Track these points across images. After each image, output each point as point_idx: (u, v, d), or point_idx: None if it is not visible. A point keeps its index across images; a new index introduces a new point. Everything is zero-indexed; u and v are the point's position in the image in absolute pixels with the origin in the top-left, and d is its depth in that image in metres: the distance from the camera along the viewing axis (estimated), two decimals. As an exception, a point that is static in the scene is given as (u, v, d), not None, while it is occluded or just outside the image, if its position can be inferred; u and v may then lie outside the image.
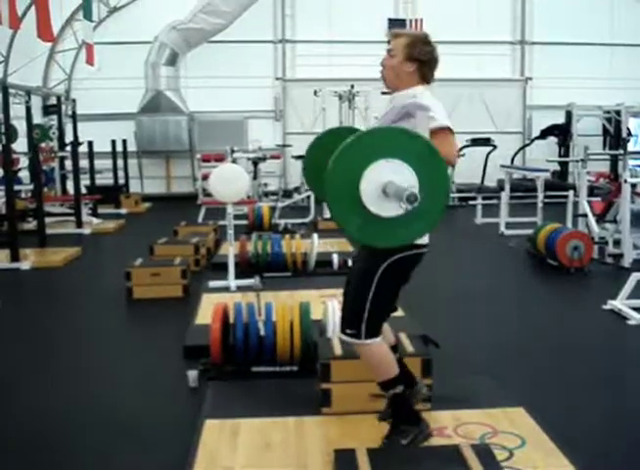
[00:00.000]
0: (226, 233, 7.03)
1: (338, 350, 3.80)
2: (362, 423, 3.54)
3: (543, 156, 15.76)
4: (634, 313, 5.72)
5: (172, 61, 15.44)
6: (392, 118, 3.08)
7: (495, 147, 14.52)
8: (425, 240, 3.14)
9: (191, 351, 4.83)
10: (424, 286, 6.95)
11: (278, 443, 3.40)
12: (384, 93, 12.34)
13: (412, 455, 2.87)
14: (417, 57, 3.12)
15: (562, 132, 15.34)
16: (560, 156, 15.13)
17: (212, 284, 6.80)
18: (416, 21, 16.13)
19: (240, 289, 6.64)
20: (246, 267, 7.43)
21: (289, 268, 7.46)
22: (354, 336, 3.11)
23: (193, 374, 4.36)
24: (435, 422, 3.59)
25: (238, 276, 6.96)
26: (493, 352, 5.03)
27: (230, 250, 6.86)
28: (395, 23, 16.10)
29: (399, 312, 5.52)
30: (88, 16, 13.30)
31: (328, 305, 4.58)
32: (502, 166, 11.89)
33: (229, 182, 6.57)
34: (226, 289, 6.68)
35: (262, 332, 4.46)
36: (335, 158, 2.69)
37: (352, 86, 11.93)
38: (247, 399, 3.98)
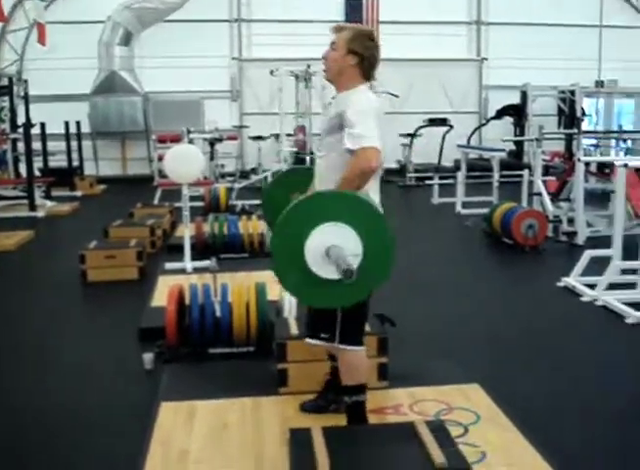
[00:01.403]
0: (182, 215, 6.97)
1: (294, 330, 3.80)
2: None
3: (499, 136, 15.86)
4: (587, 290, 5.82)
5: (126, 40, 15.17)
6: (326, 127, 3.14)
7: (452, 127, 14.62)
8: None
9: (146, 333, 4.78)
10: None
11: (234, 423, 3.39)
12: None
13: (367, 433, 2.89)
14: (359, 51, 3.10)
15: (517, 112, 15.48)
16: (515, 136, 15.25)
17: (168, 266, 6.73)
18: (372, 1, 16.09)
19: (196, 271, 6.58)
20: (202, 249, 7.37)
21: (246, 249, 7.42)
22: (328, 340, 3.08)
23: (148, 357, 4.32)
24: (392, 400, 3.63)
25: (194, 258, 6.90)
26: (448, 331, 5.07)
27: (186, 231, 6.80)
28: (352, 3, 16.09)
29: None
30: (39, -6, 13.00)
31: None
32: (458, 146, 11.97)
33: (184, 163, 6.50)
34: (182, 271, 6.62)
35: (218, 313, 4.44)
36: (284, 215, 2.72)
37: (309, 66, 11.84)
38: (203, 380, 3.96)
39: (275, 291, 4.74)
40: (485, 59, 16.66)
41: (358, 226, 2.68)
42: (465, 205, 10.51)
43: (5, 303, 6.13)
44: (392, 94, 14.85)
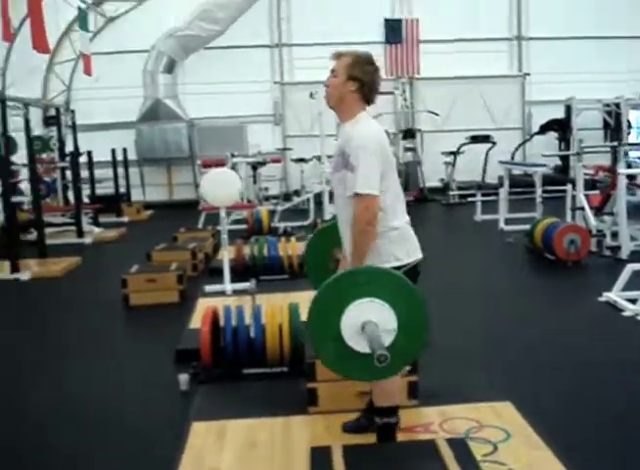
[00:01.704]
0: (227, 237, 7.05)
1: (323, 349, 3.81)
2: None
3: (544, 151, 15.76)
4: (629, 305, 5.71)
5: (170, 68, 15.50)
6: (334, 164, 3.23)
7: (495, 144, 14.54)
8: (418, 256, 3.27)
9: (183, 354, 4.85)
10: (420, 282, 6.97)
11: (264, 442, 3.42)
12: (379, 93, 12.34)
13: (387, 451, 2.88)
14: (358, 76, 3.15)
15: (561, 127, 15.30)
16: (560, 150, 15.08)
17: (208, 288, 6.82)
18: (412, 21, 16.15)
19: (236, 293, 6.65)
20: (243, 271, 7.45)
21: (285, 271, 7.47)
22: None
23: (184, 378, 4.38)
24: (422, 418, 3.61)
25: (235, 280, 6.98)
26: (486, 347, 5.04)
27: (225, 254, 6.88)
28: (392, 24, 16.16)
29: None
30: (84, 26, 13.37)
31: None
32: (500, 163, 11.87)
33: (221, 187, 6.59)
34: (222, 293, 6.70)
35: (252, 334, 4.48)
36: (321, 292, 2.78)
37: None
38: (235, 400, 4.01)
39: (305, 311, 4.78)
40: (528, 74, 16.52)
41: (393, 302, 2.72)
42: (508, 221, 10.40)
43: (49, 327, 6.28)
44: (433, 113, 14.89)
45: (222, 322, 4.61)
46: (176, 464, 3.22)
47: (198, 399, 4.04)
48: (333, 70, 3.23)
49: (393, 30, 16.14)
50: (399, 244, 3.21)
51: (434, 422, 3.56)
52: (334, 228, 3.42)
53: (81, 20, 13.28)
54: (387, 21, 16.16)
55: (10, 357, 5.41)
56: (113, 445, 3.67)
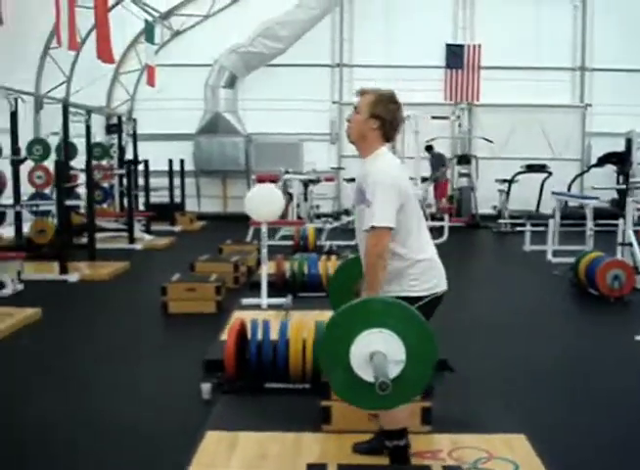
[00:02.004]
0: (269, 252, 7.15)
1: (340, 368, 3.85)
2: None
3: (602, 184, 15.52)
4: (665, 346, 5.60)
5: (231, 83, 15.81)
6: (356, 198, 3.30)
7: (550, 174, 14.40)
8: (442, 287, 3.27)
9: (211, 364, 4.94)
10: (460, 311, 7.00)
11: (273, 456, 3.48)
12: (434, 118, 12.39)
13: (381, 473, 2.91)
14: (381, 114, 3.20)
15: (620, 160, 15.05)
16: (618, 184, 14.81)
17: (245, 301, 6.93)
18: (474, 46, 16.14)
19: (271, 307, 6.73)
20: (282, 286, 7.53)
21: (324, 289, 7.50)
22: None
23: (206, 387, 4.47)
24: (433, 444, 3.62)
25: (273, 295, 7.07)
26: (514, 379, 4.99)
27: (264, 268, 6.98)
28: (454, 49, 16.18)
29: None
30: (150, 39, 13.76)
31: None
32: (553, 193, 11.74)
33: (264, 203, 6.71)
34: (258, 307, 6.79)
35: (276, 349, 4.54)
36: (332, 319, 2.84)
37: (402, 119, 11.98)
38: (252, 413, 4.07)
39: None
40: (589, 105, 16.33)
41: (402, 334, 2.75)
42: (557, 253, 10.26)
43: (89, 328, 6.48)
44: (487, 139, 14.84)
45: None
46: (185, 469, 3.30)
47: (216, 408, 4.12)
48: (356, 107, 3.30)
49: (455, 55, 16.15)
50: (423, 276, 3.23)
51: (444, 450, 3.56)
52: (358, 260, 3.47)
53: (148, 32, 13.67)
54: (448, 46, 16.20)
55: (47, 359, 5.58)
56: (126, 449, 3.77)
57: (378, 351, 2.72)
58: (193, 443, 3.63)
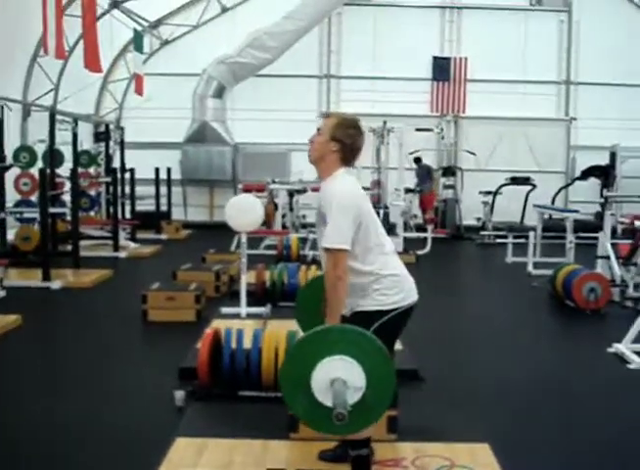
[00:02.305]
0: (252, 262, 7.22)
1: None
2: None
3: (586, 197, 15.69)
4: (635, 357, 5.69)
5: (219, 93, 15.89)
6: (317, 221, 3.33)
7: (535, 186, 14.54)
8: (412, 299, 3.33)
9: (186, 372, 5.00)
10: (436, 321, 7.09)
11: (238, 462, 3.54)
12: (418, 130, 12.48)
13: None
14: (340, 138, 3.26)
15: (604, 173, 15.20)
16: (601, 197, 14.95)
17: (224, 310, 7.00)
18: (461, 59, 16.30)
19: (250, 316, 6.80)
20: (262, 296, 7.60)
21: (303, 298, 7.57)
22: None
23: (180, 394, 4.54)
24: (396, 453, 3.69)
25: (253, 304, 7.15)
26: (484, 390, 5.07)
27: (242, 278, 7.04)
28: (440, 62, 16.33)
29: (397, 346, 5.71)
30: (139, 48, 13.84)
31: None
32: (535, 206, 11.86)
33: (243, 212, 6.78)
34: (237, 316, 6.85)
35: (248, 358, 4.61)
36: (294, 346, 2.92)
37: (385, 122, 12.11)
38: (221, 420, 4.14)
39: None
40: (574, 119, 16.50)
41: (362, 360, 2.80)
42: (537, 265, 10.37)
43: (69, 334, 6.55)
44: (470, 152, 15.00)
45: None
46: (151, 476, 3.37)
47: (187, 415, 4.19)
48: (319, 129, 3.36)
49: (441, 68, 16.30)
50: (390, 290, 3.28)
51: (408, 458, 3.64)
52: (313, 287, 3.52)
53: (137, 41, 13.75)
54: (435, 58, 16.34)
55: (26, 363, 5.63)
56: (98, 454, 3.84)
57: (338, 377, 2.76)
58: (163, 449, 3.69)
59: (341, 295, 3.14)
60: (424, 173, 14.82)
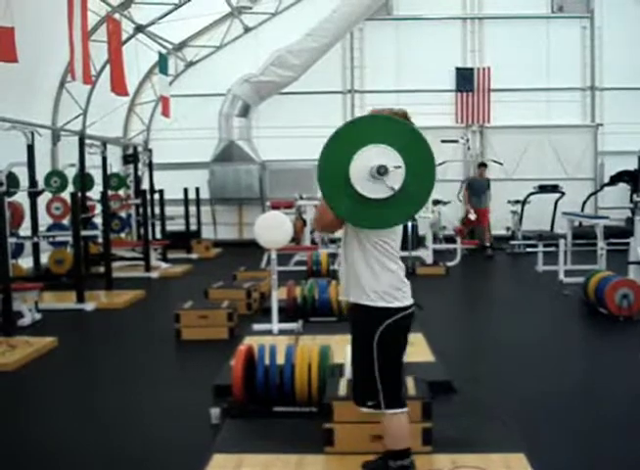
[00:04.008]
0: (282, 278, 7.28)
1: (342, 390, 3.96)
2: (361, 462, 3.67)
3: (616, 203, 15.57)
4: (671, 364, 5.63)
5: (244, 112, 16.05)
6: None
7: (563, 194, 14.43)
8: (408, 301, 3.35)
9: (221, 390, 5.05)
10: (469, 331, 7.08)
11: (276, 477, 3.57)
12: (443, 141, 12.49)
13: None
14: None
15: (632, 178, 15.07)
16: (631, 202, 14.81)
17: (257, 327, 7.05)
18: (484, 69, 16.29)
19: (282, 333, 6.84)
20: (293, 312, 7.64)
21: (334, 313, 7.62)
22: (375, 407, 3.34)
23: (215, 412, 4.59)
24: (433, 464, 3.70)
25: (285, 320, 7.20)
26: (517, 399, 5.05)
27: (274, 294, 7.09)
28: (463, 72, 16.34)
29: (429, 357, 5.72)
30: (164, 70, 14.04)
31: (347, 347, 4.73)
32: (563, 214, 11.80)
33: (272, 229, 6.84)
34: (269, 332, 6.90)
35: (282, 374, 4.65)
36: (326, 143, 2.96)
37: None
38: (257, 436, 4.17)
39: (340, 353, 4.93)
40: (601, 124, 16.39)
41: (400, 146, 2.86)
42: (569, 273, 10.31)
43: (104, 355, 6.65)
44: (497, 162, 14.93)
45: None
46: (190, 493, 3.41)
47: (222, 432, 4.23)
48: None
49: (465, 79, 16.31)
50: (393, 287, 3.32)
51: (444, 469, 3.64)
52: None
53: (161, 64, 13.95)
54: (458, 69, 16.36)
55: (61, 384, 5.73)
56: (140, 468, 3.90)
57: (378, 164, 2.85)
58: (201, 465, 3.74)
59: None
60: (483, 185, 13.92)
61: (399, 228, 3.35)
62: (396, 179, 2.86)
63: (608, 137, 16.32)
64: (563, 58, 16.20)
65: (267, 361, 4.75)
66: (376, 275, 3.27)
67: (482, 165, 13.95)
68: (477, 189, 13.76)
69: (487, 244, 13.47)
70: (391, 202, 2.87)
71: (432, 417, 3.83)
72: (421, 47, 16.10)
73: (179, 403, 5.11)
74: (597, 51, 16.30)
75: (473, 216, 13.33)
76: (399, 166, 2.85)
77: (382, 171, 2.74)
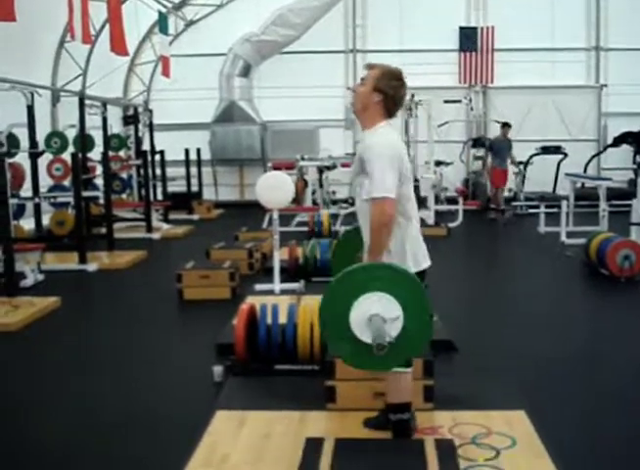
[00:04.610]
0: (284, 239, 7.28)
1: (344, 349, 3.97)
2: (363, 418, 3.70)
3: (619, 164, 15.50)
4: (672, 324, 5.65)
5: (245, 72, 15.91)
6: (354, 168, 3.40)
7: (566, 155, 14.35)
8: (426, 264, 3.39)
9: (223, 348, 5.07)
10: (469, 291, 7.09)
11: (278, 433, 3.61)
12: (446, 101, 12.36)
13: (375, 446, 3.03)
14: (383, 89, 3.29)
15: (635, 140, 14.96)
16: (634, 164, 14.74)
17: (258, 287, 7.06)
18: (488, 28, 16.09)
19: (284, 292, 6.86)
20: (295, 272, 7.66)
21: (336, 273, 7.61)
22: None
23: (218, 369, 4.62)
24: (434, 421, 3.73)
25: (287, 280, 7.21)
26: (518, 358, 5.08)
27: (275, 255, 7.10)
28: (467, 32, 16.15)
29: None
30: (164, 30, 13.86)
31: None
32: (566, 175, 11.75)
33: (274, 189, 6.82)
34: (271, 292, 6.92)
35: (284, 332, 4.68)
36: (328, 289, 2.97)
37: (413, 95, 12.03)
38: (260, 393, 4.22)
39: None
40: (605, 85, 16.24)
41: (395, 293, 2.87)
42: (570, 234, 10.30)
43: (106, 314, 6.68)
44: (498, 122, 14.79)
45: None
46: (194, 448, 3.44)
47: (225, 389, 4.27)
48: (362, 79, 3.39)
49: (468, 38, 16.12)
50: (413, 250, 3.34)
51: (445, 426, 3.67)
52: (359, 230, 3.56)
53: (161, 23, 13.77)
54: (462, 28, 16.16)
55: (65, 343, 5.77)
56: (143, 427, 3.94)
57: (375, 313, 2.83)
58: (204, 422, 3.77)
59: (384, 240, 3.22)
60: (505, 146, 13.41)
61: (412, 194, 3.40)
62: (394, 328, 2.86)
63: (612, 98, 16.18)
64: (567, 17, 15.96)
65: (269, 321, 4.78)
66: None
67: (506, 125, 13.52)
68: (500, 150, 13.40)
69: (502, 207, 13.28)
70: (392, 346, 2.86)
71: (433, 375, 3.85)
72: (424, 6, 15.84)
73: (182, 362, 5.15)
74: (602, 11, 16.05)
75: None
76: (397, 317, 2.85)
77: (379, 348, 2.72)
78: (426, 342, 3.00)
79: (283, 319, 4.78)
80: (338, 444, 2.84)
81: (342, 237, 4.20)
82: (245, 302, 6.38)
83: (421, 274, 3.32)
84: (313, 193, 13.29)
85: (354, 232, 3.85)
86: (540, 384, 4.52)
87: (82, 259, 8.73)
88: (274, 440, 3.53)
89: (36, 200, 9.72)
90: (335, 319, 2.89)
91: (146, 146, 14.03)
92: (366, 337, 2.84)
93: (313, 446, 2.86)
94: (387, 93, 3.30)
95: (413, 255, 3.34)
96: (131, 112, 14.29)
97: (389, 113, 3.38)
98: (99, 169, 11.68)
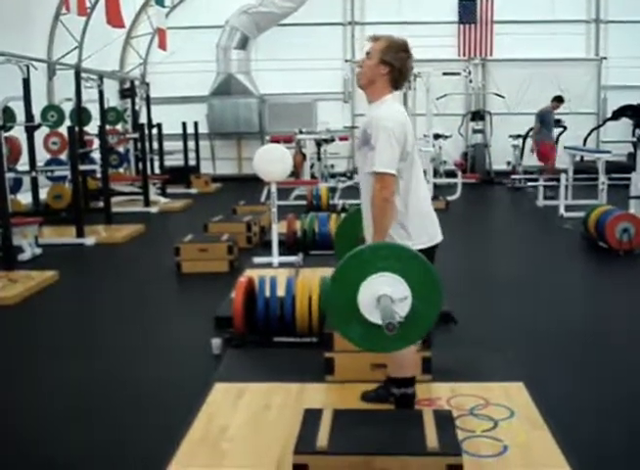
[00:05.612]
0: (282, 212, 7.27)
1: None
2: (361, 391, 3.71)
3: (618, 137, 15.44)
4: (670, 296, 5.66)
5: (243, 44, 15.78)
6: (359, 142, 3.35)
7: (565, 128, 14.28)
8: (438, 239, 3.42)
9: (221, 321, 5.08)
10: (468, 264, 7.08)
11: (276, 405, 3.62)
12: (445, 74, 12.20)
13: (373, 417, 3.03)
14: (390, 61, 3.24)
15: (635, 113, 14.89)
16: (634, 137, 14.68)
17: (257, 260, 7.07)
18: (487, 0, 15.93)
19: (282, 265, 6.86)
20: (293, 245, 7.66)
21: (334, 246, 7.60)
22: None
23: (216, 342, 4.62)
24: (432, 393, 3.74)
25: (285, 253, 7.20)
26: (516, 330, 5.10)
27: (274, 227, 7.09)
28: (466, 4, 16.00)
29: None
30: (160, 2, 13.72)
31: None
32: (565, 148, 11.71)
33: (272, 162, 6.80)
34: (269, 265, 6.92)
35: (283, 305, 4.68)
36: (335, 272, 2.91)
37: (412, 68, 11.93)
38: (258, 365, 4.23)
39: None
40: (604, 58, 16.13)
41: (403, 273, 2.83)
42: (569, 208, 10.28)
43: (105, 287, 6.71)
44: (499, 95, 14.73)
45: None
46: (192, 419, 3.45)
47: (224, 361, 4.28)
48: (368, 53, 3.34)
49: (467, 10, 15.97)
50: (421, 225, 3.33)
51: (443, 397, 3.68)
52: (360, 213, 3.53)
53: (158, -5, 13.64)
54: (461, 0, 15.99)
55: (64, 316, 5.77)
56: (142, 400, 3.95)
57: (383, 294, 2.80)
58: (203, 393, 3.78)
59: (388, 216, 3.19)
60: (551, 120, 12.85)
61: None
62: (403, 307, 2.82)
63: (612, 71, 16.07)
64: (568, -12, 15.82)
65: (268, 293, 4.78)
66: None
67: (559, 99, 13.05)
68: (549, 122, 12.90)
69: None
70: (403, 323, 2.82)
71: (431, 346, 3.85)
72: (423, -23, 15.71)
73: (180, 335, 5.15)
74: (602, -18, 15.92)
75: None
76: (406, 297, 2.81)
77: (390, 328, 2.67)
78: (434, 320, 2.97)
79: (281, 292, 4.79)
80: (336, 415, 2.84)
81: (345, 218, 4.18)
82: (243, 275, 6.40)
83: (432, 249, 3.31)
84: (311, 166, 13.24)
85: (356, 213, 3.83)
86: (539, 355, 4.54)
87: (80, 233, 8.71)
88: (273, 411, 3.54)
89: (33, 174, 9.65)
90: (343, 303, 2.87)
91: (143, 119, 13.96)
92: (375, 318, 2.82)
93: (312, 418, 2.86)
94: (393, 65, 3.26)
95: (424, 229, 3.33)
96: (128, 85, 14.20)
97: (396, 85, 3.35)
98: (96, 143, 11.63)
